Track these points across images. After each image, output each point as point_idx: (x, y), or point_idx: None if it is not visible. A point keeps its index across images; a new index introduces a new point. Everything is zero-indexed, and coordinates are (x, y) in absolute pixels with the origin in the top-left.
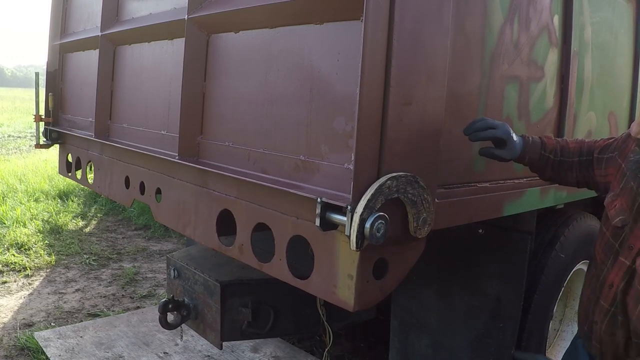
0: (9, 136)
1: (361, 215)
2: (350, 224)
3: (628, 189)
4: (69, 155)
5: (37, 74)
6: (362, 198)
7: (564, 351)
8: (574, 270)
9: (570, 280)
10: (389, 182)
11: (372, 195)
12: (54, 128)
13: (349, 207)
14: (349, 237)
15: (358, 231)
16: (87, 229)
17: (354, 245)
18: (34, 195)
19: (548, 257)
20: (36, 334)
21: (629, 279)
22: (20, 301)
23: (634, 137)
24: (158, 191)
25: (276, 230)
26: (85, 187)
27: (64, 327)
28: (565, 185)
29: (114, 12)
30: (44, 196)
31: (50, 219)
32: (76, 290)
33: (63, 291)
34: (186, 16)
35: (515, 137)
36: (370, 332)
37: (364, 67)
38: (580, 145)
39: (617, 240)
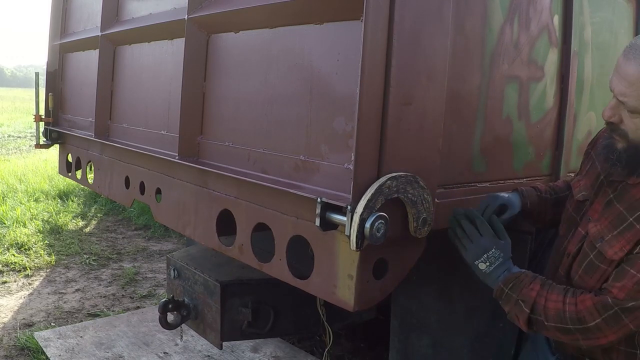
0: (9, 136)
1: (361, 215)
2: (350, 224)
3: (593, 170)
4: (69, 155)
5: (37, 74)
6: (362, 198)
7: None
8: None
9: None
10: (389, 182)
11: (372, 195)
12: (54, 128)
13: (349, 207)
14: (349, 237)
15: (358, 231)
16: (87, 229)
17: (354, 245)
18: (34, 195)
19: (548, 257)
20: (36, 334)
21: (581, 246)
22: (20, 301)
23: (605, 121)
24: (158, 191)
25: (276, 230)
26: (85, 187)
27: (64, 327)
28: None
29: (114, 12)
30: (44, 196)
31: (50, 219)
32: (76, 290)
33: (63, 291)
34: (186, 16)
35: (506, 194)
36: (370, 332)
37: (364, 67)
38: (566, 180)
39: (578, 214)
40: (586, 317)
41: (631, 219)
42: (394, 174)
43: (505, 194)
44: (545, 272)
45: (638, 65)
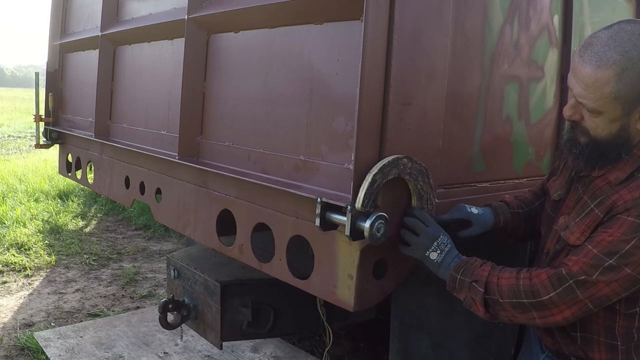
0: (9, 136)
1: (374, 175)
2: (363, 183)
3: (567, 168)
4: (69, 155)
5: (37, 74)
6: (378, 163)
7: None
8: None
9: None
10: (405, 159)
11: (388, 162)
12: (54, 128)
13: (349, 207)
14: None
15: (367, 190)
16: (87, 229)
17: (360, 202)
18: (34, 195)
19: None
20: (36, 334)
21: (557, 244)
22: (20, 301)
23: (566, 118)
24: (158, 191)
25: (276, 230)
26: (85, 187)
27: (64, 327)
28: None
29: (114, 12)
30: (44, 196)
31: (50, 219)
32: (76, 290)
33: (63, 291)
34: (186, 16)
35: (475, 210)
36: (370, 332)
37: (364, 67)
38: (533, 190)
39: (555, 213)
40: (540, 290)
41: (592, 205)
42: (410, 156)
43: (475, 210)
44: None
45: (594, 68)
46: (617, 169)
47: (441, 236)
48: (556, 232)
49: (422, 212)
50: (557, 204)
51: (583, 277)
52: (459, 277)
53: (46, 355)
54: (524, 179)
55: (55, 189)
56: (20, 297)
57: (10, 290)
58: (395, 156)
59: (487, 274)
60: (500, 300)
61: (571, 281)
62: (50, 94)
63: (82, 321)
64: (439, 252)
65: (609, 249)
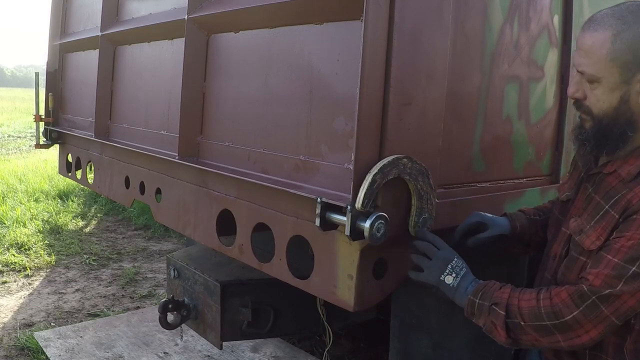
0: (9, 136)
1: (374, 175)
2: (362, 183)
3: (576, 171)
4: (69, 155)
5: (37, 74)
6: (379, 163)
7: None
8: None
9: None
10: (405, 159)
11: (388, 162)
12: (54, 128)
13: (349, 207)
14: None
15: (367, 190)
16: (87, 229)
17: (360, 203)
18: (34, 195)
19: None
20: (36, 334)
21: (567, 247)
22: (20, 301)
23: (570, 98)
24: (158, 191)
25: (276, 230)
26: (85, 187)
27: (64, 327)
28: None
29: (114, 12)
30: (44, 196)
31: (50, 219)
32: (76, 290)
33: (63, 291)
34: (186, 16)
35: (490, 215)
36: (370, 332)
37: (364, 67)
38: (552, 200)
39: (563, 215)
40: (562, 310)
41: (606, 207)
42: (410, 156)
43: (488, 214)
44: (535, 280)
45: (591, 33)
46: (628, 163)
47: (455, 259)
48: (564, 234)
49: (433, 234)
50: (566, 205)
51: (607, 291)
52: (477, 301)
53: (46, 355)
54: (524, 179)
55: (55, 189)
56: (20, 297)
57: (10, 290)
58: (395, 156)
59: (508, 296)
60: (522, 324)
61: (594, 297)
62: (50, 94)
63: (82, 321)
64: (454, 275)
65: (630, 254)
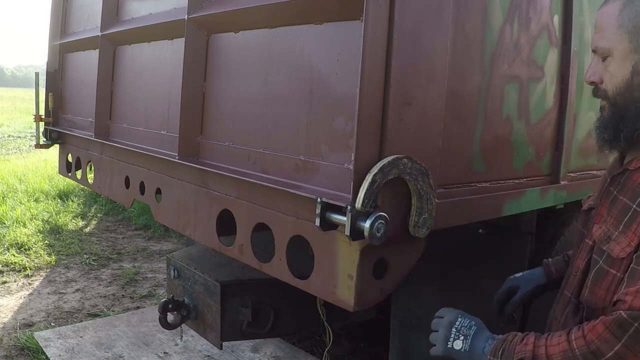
0: (9, 136)
1: (374, 175)
2: (362, 183)
3: (602, 180)
4: (69, 155)
5: (37, 74)
6: (379, 163)
7: None
8: None
9: None
10: (405, 159)
11: (388, 162)
12: (54, 128)
13: (349, 207)
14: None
15: (367, 190)
16: (87, 229)
17: (360, 203)
18: (34, 195)
19: (548, 257)
20: (36, 334)
21: (589, 258)
22: (20, 301)
23: (587, 83)
24: (158, 191)
25: (276, 230)
26: (85, 187)
27: (64, 327)
28: None
29: (114, 12)
30: (44, 196)
31: (50, 219)
32: (76, 290)
33: (63, 291)
34: (186, 16)
35: (520, 274)
36: (370, 332)
37: (364, 67)
38: None
39: (585, 227)
40: (600, 347)
41: (634, 206)
42: (411, 156)
43: (520, 274)
44: (553, 303)
45: (603, 8)
46: None
47: (459, 319)
48: (587, 245)
49: (442, 308)
50: (588, 215)
51: None
52: None
53: (46, 355)
54: (524, 179)
55: (55, 189)
56: (20, 297)
57: (10, 290)
58: (395, 156)
59: (532, 347)
60: None
61: (636, 324)
62: (50, 94)
63: (82, 321)
64: (462, 338)
65: None
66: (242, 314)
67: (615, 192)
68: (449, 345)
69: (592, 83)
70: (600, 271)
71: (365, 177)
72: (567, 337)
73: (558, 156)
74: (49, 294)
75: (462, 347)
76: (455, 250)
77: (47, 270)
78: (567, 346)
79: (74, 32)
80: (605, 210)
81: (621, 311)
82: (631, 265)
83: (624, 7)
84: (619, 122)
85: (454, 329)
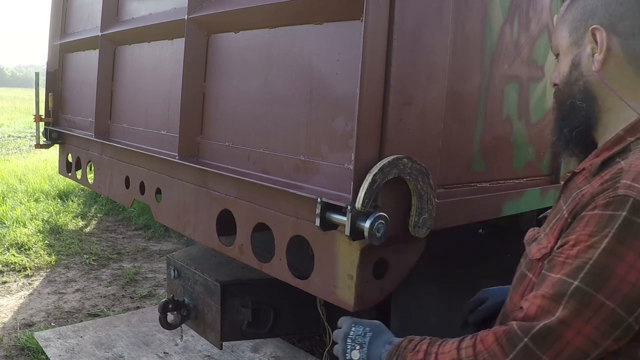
0: (9, 136)
1: (374, 175)
2: (362, 183)
3: None
4: (69, 155)
5: (37, 74)
6: (379, 163)
7: None
8: None
9: None
10: (405, 159)
11: (388, 162)
12: (54, 128)
13: (349, 207)
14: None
15: (367, 190)
16: (87, 229)
17: (360, 203)
18: (34, 195)
19: None
20: (36, 334)
21: (523, 266)
22: (20, 301)
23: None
24: (158, 191)
25: (276, 230)
26: (85, 187)
27: (64, 327)
28: None
29: (114, 12)
30: (44, 196)
31: (50, 219)
32: (76, 290)
33: (63, 291)
34: (186, 16)
35: (498, 287)
36: None
37: (364, 67)
38: None
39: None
40: (487, 359)
41: (564, 207)
42: (411, 156)
43: (495, 288)
44: None
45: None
46: (599, 156)
47: (352, 328)
48: (525, 255)
49: (341, 317)
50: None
51: (540, 324)
52: None
53: (46, 355)
54: (524, 179)
55: (55, 189)
56: (20, 297)
57: (10, 290)
58: (395, 156)
59: (423, 355)
60: None
61: (526, 339)
62: (50, 94)
63: (82, 321)
64: (358, 347)
65: (575, 264)
66: (242, 314)
67: (560, 195)
68: (347, 357)
69: (554, 85)
70: (520, 275)
71: (365, 177)
72: (458, 346)
73: (558, 156)
74: (49, 294)
75: (359, 357)
76: (455, 250)
77: (47, 270)
78: (455, 355)
79: (74, 32)
80: (550, 216)
81: (514, 322)
82: (542, 272)
83: (570, 4)
84: (561, 121)
85: (349, 340)
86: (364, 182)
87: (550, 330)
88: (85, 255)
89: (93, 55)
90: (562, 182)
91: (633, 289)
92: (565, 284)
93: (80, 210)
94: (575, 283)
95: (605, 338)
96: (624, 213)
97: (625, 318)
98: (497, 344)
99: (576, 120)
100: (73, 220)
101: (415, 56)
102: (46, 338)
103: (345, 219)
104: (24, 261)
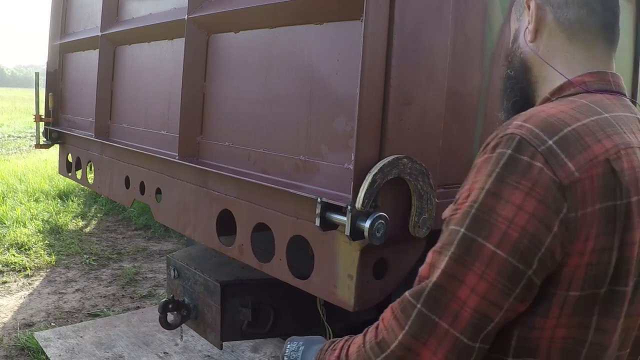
0: (9, 136)
1: (374, 175)
2: (362, 183)
3: None
4: (69, 155)
5: (37, 74)
6: (379, 163)
7: None
8: None
9: None
10: (405, 159)
11: (388, 162)
12: (54, 128)
13: (349, 207)
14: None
15: (367, 190)
16: (87, 229)
17: (360, 203)
18: (34, 195)
19: None
20: (36, 334)
21: None
22: (20, 301)
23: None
24: (158, 191)
25: (276, 230)
26: (85, 187)
27: (64, 327)
28: None
29: (114, 12)
30: (44, 196)
31: (50, 219)
32: (76, 290)
33: (63, 291)
34: (186, 16)
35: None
36: None
37: (364, 67)
38: None
39: None
40: (386, 337)
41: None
42: (410, 156)
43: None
44: None
45: None
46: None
47: (288, 345)
48: None
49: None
50: None
51: (430, 284)
52: None
53: (46, 355)
54: None
55: (55, 189)
56: (20, 297)
57: (10, 290)
58: (395, 156)
59: (338, 352)
60: None
61: (419, 305)
62: (50, 94)
63: (82, 321)
64: None
65: (462, 210)
66: (242, 314)
67: None
68: None
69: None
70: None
71: (365, 177)
72: (365, 331)
73: None
74: (49, 294)
75: None
76: None
77: (47, 270)
78: (361, 340)
79: (74, 32)
80: None
81: (407, 291)
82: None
83: None
84: (502, 93)
85: (285, 358)
86: (364, 182)
87: (440, 288)
88: (85, 255)
89: (93, 55)
90: None
91: (524, 234)
92: (452, 233)
93: (80, 210)
94: (462, 230)
95: (505, 296)
96: (509, 151)
97: (523, 271)
98: (394, 317)
99: (514, 92)
100: (73, 220)
101: (415, 56)
102: (46, 338)
103: (345, 219)
104: (24, 261)
